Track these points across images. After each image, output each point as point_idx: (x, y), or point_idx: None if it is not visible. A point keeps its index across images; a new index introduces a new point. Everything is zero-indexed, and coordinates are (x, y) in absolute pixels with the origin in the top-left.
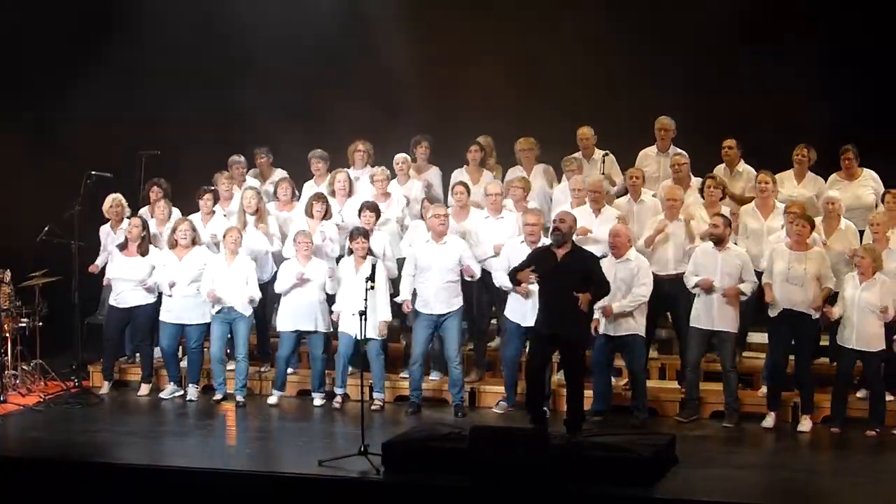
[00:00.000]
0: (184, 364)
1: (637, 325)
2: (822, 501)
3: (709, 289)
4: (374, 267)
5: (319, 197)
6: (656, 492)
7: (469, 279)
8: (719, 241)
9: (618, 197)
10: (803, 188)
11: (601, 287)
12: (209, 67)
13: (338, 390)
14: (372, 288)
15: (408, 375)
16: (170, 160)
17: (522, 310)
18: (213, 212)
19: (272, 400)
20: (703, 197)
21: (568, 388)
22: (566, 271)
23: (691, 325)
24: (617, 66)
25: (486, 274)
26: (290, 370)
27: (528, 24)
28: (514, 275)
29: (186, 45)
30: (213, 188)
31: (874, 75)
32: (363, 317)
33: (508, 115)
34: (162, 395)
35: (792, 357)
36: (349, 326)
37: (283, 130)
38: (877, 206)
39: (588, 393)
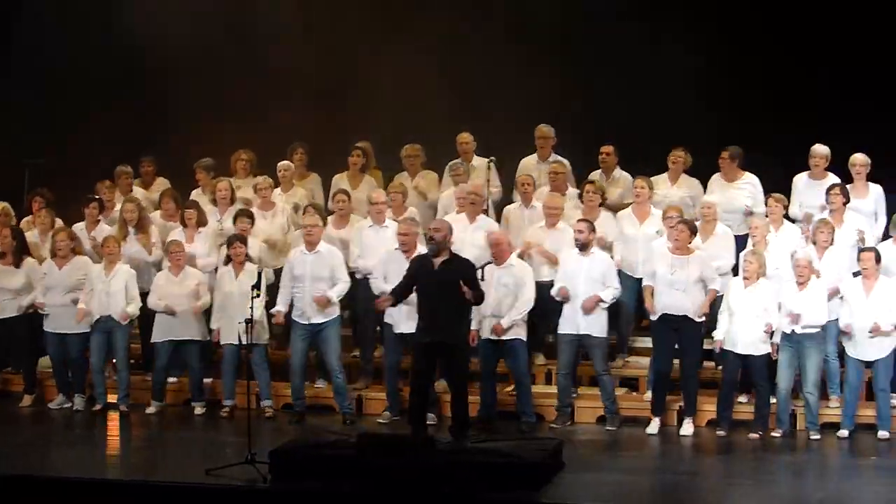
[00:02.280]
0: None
1: (520, 330)
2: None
3: (566, 297)
4: (259, 274)
5: (192, 205)
6: (543, 496)
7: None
8: (584, 247)
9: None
10: (677, 189)
11: (479, 296)
12: (99, 74)
13: (226, 402)
14: (257, 296)
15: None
16: (58, 169)
17: (401, 319)
18: (98, 221)
19: (150, 410)
20: (582, 203)
21: (452, 395)
22: (444, 279)
23: (559, 331)
24: (501, 74)
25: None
26: (172, 379)
27: (413, 30)
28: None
29: (79, 51)
30: (98, 197)
31: (755, 83)
32: (249, 325)
33: (393, 120)
34: (51, 405)
35: (677, 361)
36: (233, 335)
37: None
38: (753, 211)
39: (475, 399)
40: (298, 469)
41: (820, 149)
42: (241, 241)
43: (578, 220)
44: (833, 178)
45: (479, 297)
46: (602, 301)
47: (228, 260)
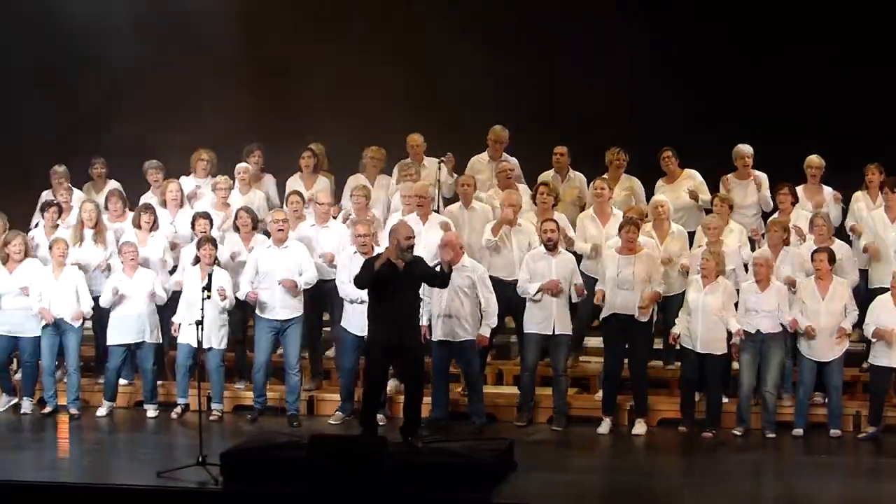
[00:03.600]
0: (18, 377)
1: (471, 332)
2: (661, 503)
3: (558, 291)
4: (209, 276)
5: (147, 208)
6: (495, 497)
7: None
8: (553, 247)
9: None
10: (619, 189)
11: (443, 279)
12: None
13: (180, 401)
14: (208, 297)
15: (242, 386)
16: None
17: (360, 322)
18: (58, 225)
19: (101, 412)
20: (535, 204)
21: (407, 395)
22: (407, 281)
23: (527, 330)
24: (456, 75)
25: (319, 282)
26: (124, 381)
27: (367, 32)
28: (369, 281)
29: (32, 47)
30: (56, 202)
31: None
32: (199, 326)
33: (347, 122)
34: None
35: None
36: (188, 336)
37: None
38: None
39: (427, 400)
40: (250, 471)
41: (743, 148)
42: (212, 242)
43: (545, 220)
44: (762, 177)
45: (443, 282)
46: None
47: (197, 261)
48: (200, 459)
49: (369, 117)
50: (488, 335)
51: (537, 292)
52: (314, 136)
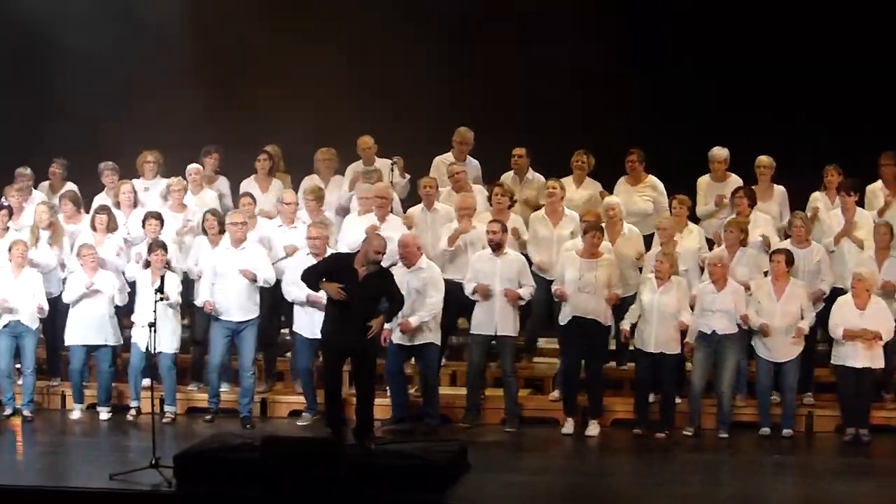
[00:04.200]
0: None
1: (432, 334)
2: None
3: (486, 294)
4: (163, 278)
5: (103, 209)
6: (449, 498)
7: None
8: (497, 248)
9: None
10: (582, 192)
11: (398, 304)
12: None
13: (133, 403)
14: (161, 300)
15: (196, 388)
16: None
17: (310, 325)
18: (8, 228)
19: (75, 415)
20: (491, 204)
21: (359, 397)
22: (368, 289)
23: (472, 331)
24: (415, 76)
25: (278, 283)
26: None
27: (322, 33)
28: (316, 281)
29: None
30: (7, 204)
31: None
32: (153, 328)
33: (302, 124)
34: None
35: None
36: (141, 339)
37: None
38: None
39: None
40: (204, 473)
41: (718, 151)
42: (163, 247)
43: (491, 221)
44: (735, 179)
45: (397, 307)
46: (521, 298)
47: (147, 264)
48: (154, 462)
49: (326, 118)
50: (413, 323)
51: (474, 293)
52: (268, 138)
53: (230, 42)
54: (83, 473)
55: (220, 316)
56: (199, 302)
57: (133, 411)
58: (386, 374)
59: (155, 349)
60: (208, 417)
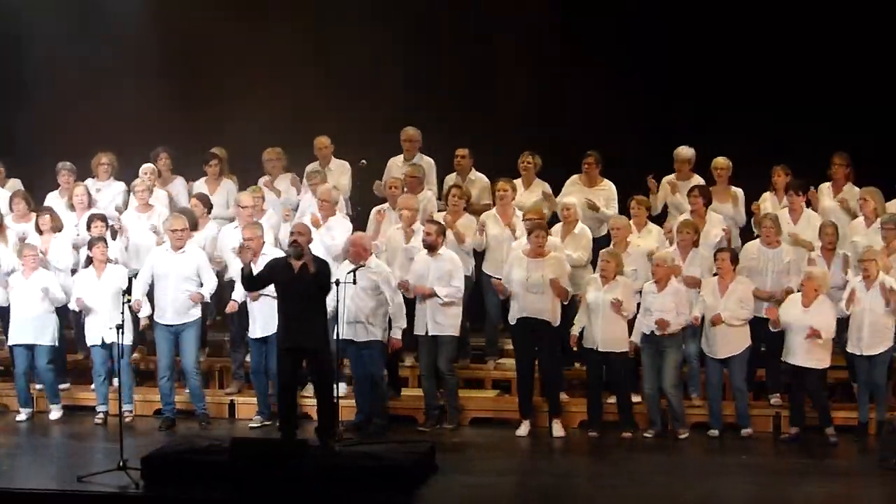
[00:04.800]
0: None
1: (376, 331)
2: None
3: (405, 289)
4: (131, 280)
5: (47, 210)
6: (415, 500)
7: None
8: (432, 248)
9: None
10: (530, 193)
11: (321, 287)
12: None
13: (100, 408)
14: (128, 301)
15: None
16: None
17: (263, 325)
18: None
19: (20, 417)
20: (447, 205)
21: (318, 397)
22: (304, 283)
23: (415, 332)
24: (367, 75)
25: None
26: (38, 386)
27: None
28: (253, 281)
29: None
30: None
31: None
32: (120, 330)
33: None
34: None
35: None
36: (98, 338)
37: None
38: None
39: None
40: (171, 475)
41: (684, 151)
42: (103, 241)
43: (427, 222)
44: (698, 179)
45: (326, 291)
46: (436, 296)
47: (89, 262)
48: (121, 464)
49: (276, 120)
50: (398, 337)
51: (411, 293)
52: (220, 139)
53: (189, 39)
54: (50, 475)
55: (159, 317)
56: (133, 301)
57: (101, 414)
58: (353, 375)
59: (122, 353)
60: (163, 425)
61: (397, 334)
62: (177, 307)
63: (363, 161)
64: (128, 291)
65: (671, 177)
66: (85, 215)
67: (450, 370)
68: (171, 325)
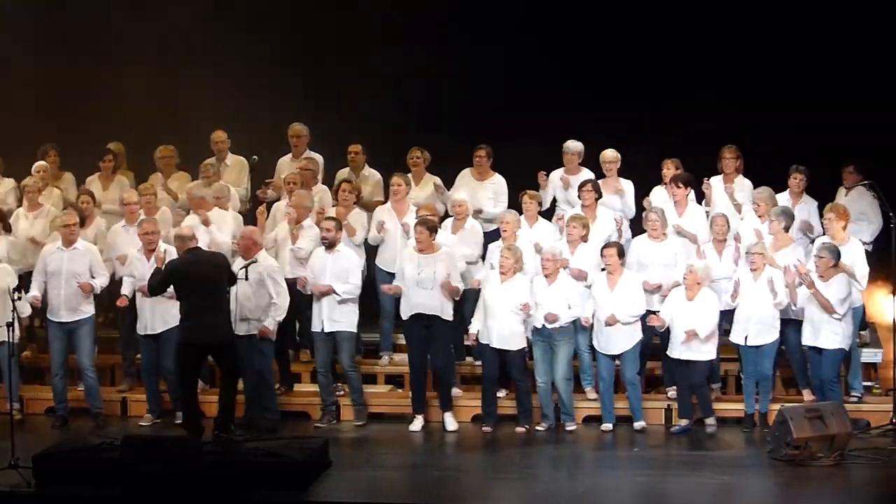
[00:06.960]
0: None
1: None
2: (471, 499)
3: (303, 288)
4: (20, 278)
5: None
6: (308, 495)
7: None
8: (331, 246)
9: None
10: (420, 189)
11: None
12: None
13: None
14: (19, 298)
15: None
16: None
17: (151, 321)
18: None
19: None
20: (337, 200)
21: (223, 389)
22: (207, 278)
23: (312, 330)
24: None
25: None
26: None
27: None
28: (163, 287)
29: None
30: None
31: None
32: (11, 328)
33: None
34: None
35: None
36: None
37: None
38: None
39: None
40: (63, 473)
41: (572, 145)
42: None
43: (326, 219)
44: (587, 173)
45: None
46: (335, 293)
47: None
48: (12, 462)
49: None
50: (272, 328)
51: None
52: (113, 136)
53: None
54: None
55: (51, 314)
56: (28, 297)
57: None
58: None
59: (13, 351)
60: (56, 423)
61: (270, 324)
62: (70, 305)
63: (255, 157)
64: (18, 290)
65: (560, 171)
66: None
67: (352, 367)
68: (65, 323)
